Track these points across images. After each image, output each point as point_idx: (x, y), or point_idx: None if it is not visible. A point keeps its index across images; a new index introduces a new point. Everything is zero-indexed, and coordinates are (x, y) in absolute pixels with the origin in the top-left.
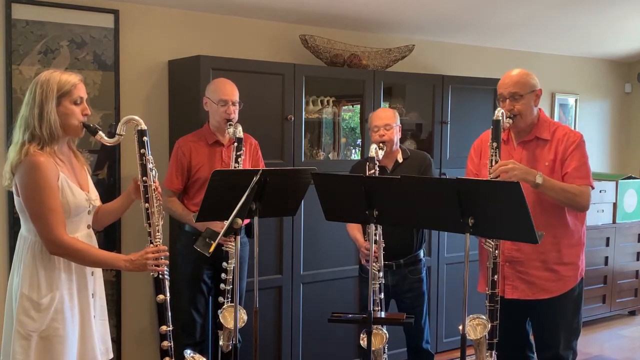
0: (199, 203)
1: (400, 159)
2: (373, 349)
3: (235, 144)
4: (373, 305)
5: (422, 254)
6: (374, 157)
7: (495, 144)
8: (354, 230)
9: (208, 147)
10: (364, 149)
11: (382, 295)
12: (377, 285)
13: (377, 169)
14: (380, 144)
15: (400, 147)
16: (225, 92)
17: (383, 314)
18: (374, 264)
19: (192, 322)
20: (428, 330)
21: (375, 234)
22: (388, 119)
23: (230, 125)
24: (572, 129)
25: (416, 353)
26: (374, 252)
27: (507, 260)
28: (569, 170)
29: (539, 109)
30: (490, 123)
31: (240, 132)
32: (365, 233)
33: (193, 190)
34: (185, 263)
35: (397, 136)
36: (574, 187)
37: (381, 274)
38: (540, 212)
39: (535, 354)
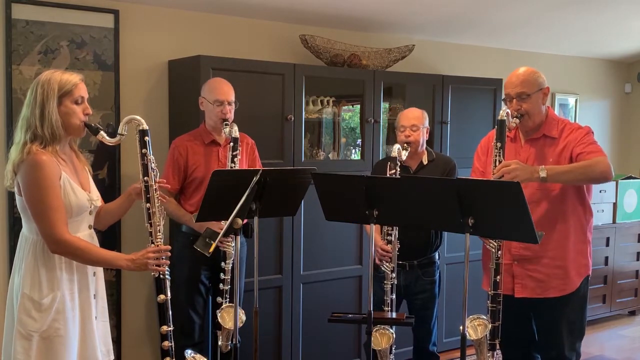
0: (196, 203)
1: (425, 160)
2: (379, 348)
3: (231, 143)
4: (384, 305)
5: (437, 257)
6: (395, 157)
7: (499, 144)
8: (373, 230)
9: (204, 146)
10: (364, 149)
11: (394, 296)
12: (389, 286)
13: (399, 169)
14: (405, 145)
15: (426, 148)
16: (220, 92)
17: (394, 314)
18: (388, 264)
19: (190, 322)
20: (436, 333)
21: (391, 234)
22: (415, 120)
23: (226, 125)
24: (580, 125)
25: (422, 354)
26: (389, 252)
27: (516, 259)
28: (580, 150)
29: (548, 106)
30: (491, 123)
31: (235, 132)
32: (382, 232)
33: (190, 190)
34: (183, 264)
35: (423, 138)
36: (585, 161)
37: (394, 274)
38: (546, 210)
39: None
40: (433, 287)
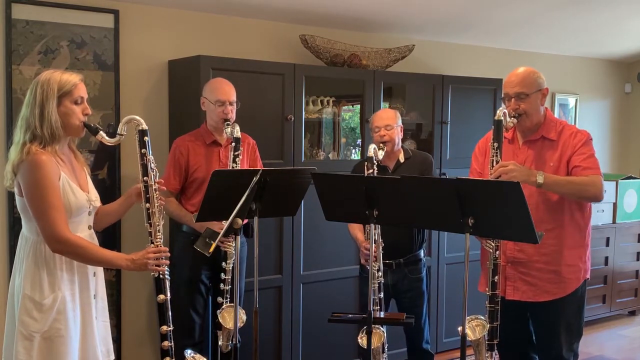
0: (197, 203)
1: (402, 159)
2: (371, 347)
3: (233, 144)
4: (372, 304)
5: (422, 254)
6: (372, 157)
7: (496, 144)
8: (355, 229)
9: (206, 147)
10: (364, 149)
11: (382, 295)
12: (377, 285)
13: (376, 169)
14: (381, 144)
15: (402, 147)
16: (222, 92)
17: (382, 314)
18: (374, 263)
19: (190, 322)
20: (428, 330)
21: (374, 233)
22: (389, 120)
23: (227, 125)
24: (579, 128)
25: (416, 353)
26: (374, 252)
27: (509, 261)
28: (577, 163)
29: (546, 108)
30: (491, 123)
31: (237, 132)
32: (365, 232)
33: (191, 190)
34: (183, 263)
35: (398, 136)
36: (581, 177)
37: (380, 273)
38: (543, 213)
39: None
40: (420, 284)
